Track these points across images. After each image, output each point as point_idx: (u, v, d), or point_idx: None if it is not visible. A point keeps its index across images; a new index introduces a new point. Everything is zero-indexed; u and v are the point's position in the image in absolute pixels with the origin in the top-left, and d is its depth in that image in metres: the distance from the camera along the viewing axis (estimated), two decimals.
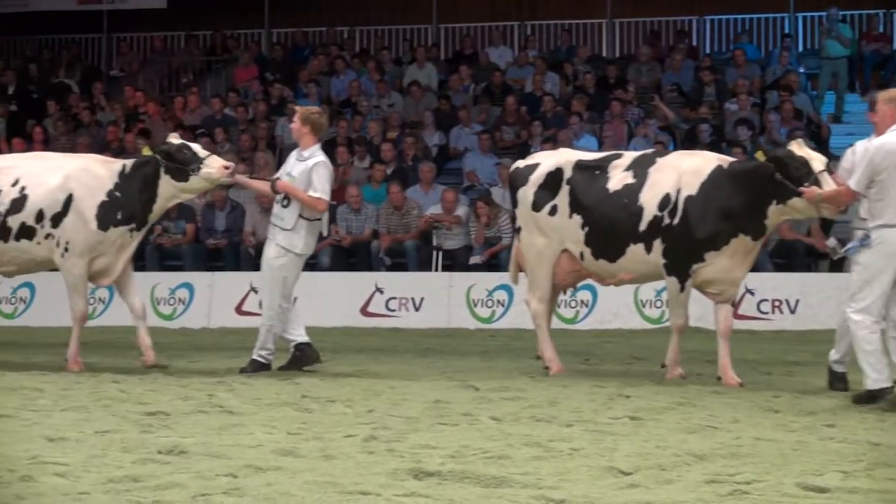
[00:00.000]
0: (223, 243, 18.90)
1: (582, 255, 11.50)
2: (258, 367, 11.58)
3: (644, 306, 17.05)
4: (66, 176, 11.97)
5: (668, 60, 23.87)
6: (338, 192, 14.56)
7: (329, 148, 11.94)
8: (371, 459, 6.81)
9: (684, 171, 11.05)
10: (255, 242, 18.50)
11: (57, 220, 11.87)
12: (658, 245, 11.05)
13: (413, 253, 18.74)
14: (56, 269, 12.25)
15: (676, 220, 10.91)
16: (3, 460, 6.77)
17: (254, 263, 18.02)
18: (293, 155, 11.92)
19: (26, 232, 11.94)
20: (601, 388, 10.39)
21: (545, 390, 10.24)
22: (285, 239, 11.54)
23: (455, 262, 18.65)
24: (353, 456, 6.91)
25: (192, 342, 15.29)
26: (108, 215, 11.87)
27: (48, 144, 21.75)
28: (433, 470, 6.35)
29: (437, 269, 18.68)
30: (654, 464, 6.62)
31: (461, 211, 18.96)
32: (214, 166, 11.70)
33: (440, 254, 18.80)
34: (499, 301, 17.51)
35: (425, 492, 5.93)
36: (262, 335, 11.66)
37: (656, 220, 11.01)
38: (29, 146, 21.03)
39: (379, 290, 17.86)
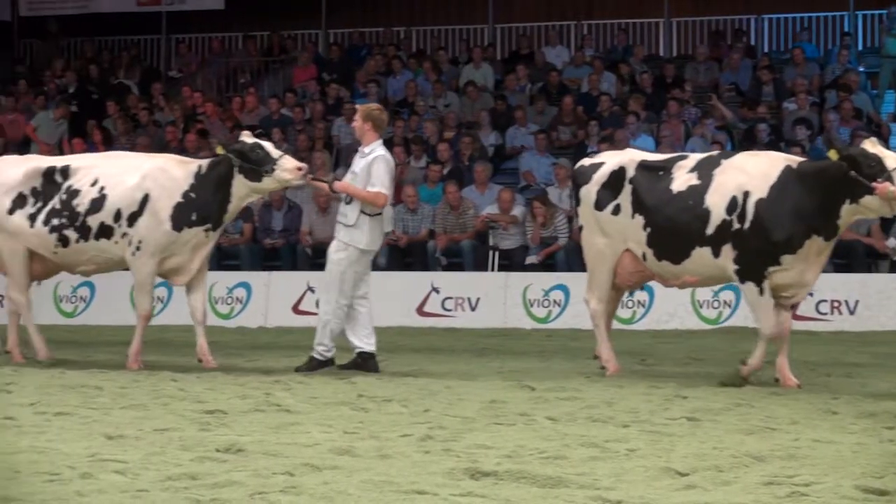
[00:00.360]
0: (280, 243, 18.99)
1: (644, 256, 11.38)
2: (315, 365, 11.58)
3: (701, 307, 16.97)
4: (143, 176, 12.02)
5: (726, 60, 23.73)
6: (394, 191, 14.58)
7: (385, 147, 11.89)
8: (427, 459, 6.81)
9: (751, 174, 10.84)
10: (312, 242, 18.58)
11: (133, 219, 11.91)
12: (728, 251, 10.82)
13: (469, 253, 18.74)
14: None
15: (747, 225, 10.68)
16: (64, 458, 6.84)
17: (311, 263, 18.14)
18: (357, 153, 11.94)
19: (105, 231, 12.01)
20: (658, 388, 10.34)
21: (602, 390, 10.21)
22: (347, 235, 11.52)
23: (511, 261, 18.64)
24: (410, 455, 6.92)
25: (249, 341, 15.37)
26: (182, 216, 11.89)
27: (108, 145, 21.94)
28: (489, 470, 6.34)
29: (493, 269, 18.67)
30: (712, 465, 6.58)
31: (517, 211, 18.94)
32: (288, 167, 11.69)
33: (496, 254, 18.79)
34: (555, 301, 17.48)
35: (481, 492, 5.92)
36: (319, 331, 11.64)
37: (725, 225, 10.80)
38: (89, 147, 21.23)
39: (435, 289, 17.87)
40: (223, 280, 18.24)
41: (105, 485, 6.13)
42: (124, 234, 11.97)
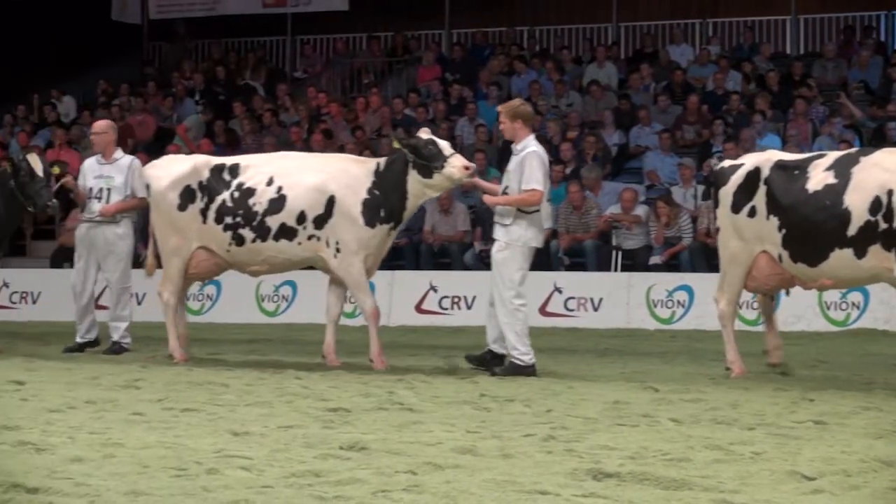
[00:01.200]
0: (403, 242, 19.08)
1: (780, 258, 11.17)
2: (516, 370, 11.24)
3: (829, 308, 16.69)
4: (325, 177, 11.93)
5: (855, 57, 23.31)
6: None
7: (538, 143, 11.69)
8: (549, 459, 6.79)
9: (893, 170, 10.51)
10: (433, 240, 18.63)
11: (320, 221, 11.83)
12: (878, 252, 10.50)
13: (592, 253, 18.65)
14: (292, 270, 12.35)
15: None
16: (191, 453, 6.94)
17: (434, 262, 18.20)
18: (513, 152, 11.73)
19: (286, 232, 11.91)
20: (784, 391, 10.19)
21: (726, 392, 10.09)
22: (506, 234, 11.37)
23: (635, 261, 18.51)
24: (532, 455, 6.90)
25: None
26: (372, 213, 11.81)
27: (235, 146, 22.26)
28: (612, 471, 6.30)
29: (616, 269, 18.57)
30: (839, 469, 6.46)
31: (641, 210, 18.81)
32: (457, 165, 11.58)
33: (619, 254, 18.68)
34: (679, 302, 17.33)
35: (604, 493, 5.89)
36: (507, 336, 11.35)
37: (869, 225, 10.48)
38: (216, 148, 21.54)
39: (558, 289, 17.81)
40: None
41: (231, 480, 6.21)
42: (311, 237, 11.87)
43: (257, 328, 17.07)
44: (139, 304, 17.29)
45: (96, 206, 13.15)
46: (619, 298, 17.65)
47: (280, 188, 11.96)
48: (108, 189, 13.13)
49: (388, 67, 27.32)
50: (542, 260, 18.54)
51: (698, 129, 21.71)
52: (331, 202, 11.85)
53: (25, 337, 15.63)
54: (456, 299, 17.76)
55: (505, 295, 11.32)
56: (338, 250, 11.82)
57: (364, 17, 27.46)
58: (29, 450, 7.07)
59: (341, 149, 19.63)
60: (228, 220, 12.05)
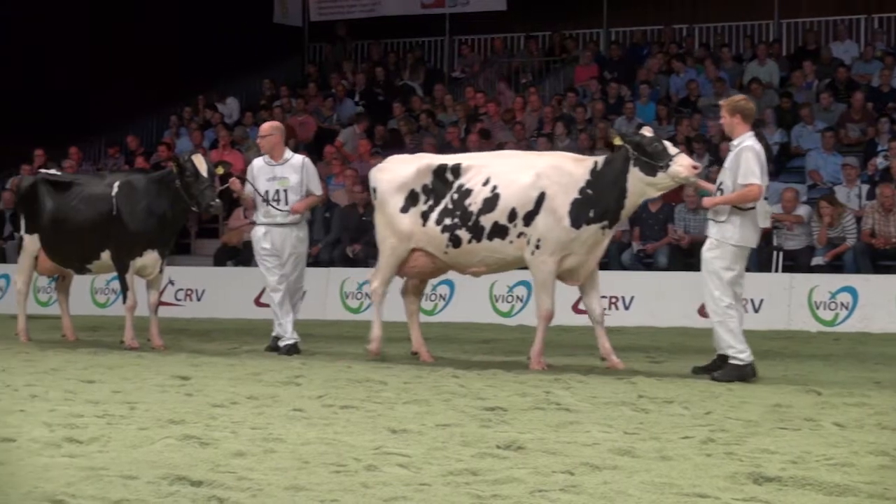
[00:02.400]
0: None
1: None
2: (735, 374, 10.86)
3: None
4: (537, 174, 11.84)
5: None
6: (675, 191, 14.38)
7: (755, 138, 11.42)
8: (709, 462, 6.71)
9: None
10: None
11: (529, 218, 11.74)
12: None
13: (753, 253, 18.31)
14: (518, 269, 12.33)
15: None
16: (350, 449, 7.03)
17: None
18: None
19: (499, 231, 11.87)
20: None
21: (892, 397, 9.85)
22: (718, 231, 11.10)
23: (796, 262, 18.17)
24: (691, 458, 6.83)
25: (529, 339, 15.41)
26: (580, 213, 11.68)
27: (394, 146, 22.45)
28: (773, 475, 6.20)
29: (777, 270, 18.25)
30: None
31: (802, 211, 18.47)
32: (684, 164, 11.42)
33: (781, 254, 18.36)
34: (842, 303, 16.96)
35: (765, 497, 5.80)
36: (721, 335, 11.02)
37: None
38: (378, 150, 21.76)
39: None
40: (504, 279, 18.38)
41: (389, 477, 6.27)
42: (520, 234, 11.80)
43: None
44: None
45: (276, 209, 13.23)
46: (780, 299, 17.33)
47: (495, 187, 11.91)
48: (285, 190, 13.22)
49: (546, 67, 27.28)
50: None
51: (863, 128, 21.24)
52: (540, 199, 11.74)
53: (190, 333, 15.96)
54: (613, 299, 17.63)
55: (714, 294, 11.02)
56: (537, 247, 11.74)
57: (522, 16, 27.47)
58: (193, 444, 7.23)
59: (499, 147, 19.65)
60: (447, 221, 12.07)
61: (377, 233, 12.69)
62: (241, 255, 20.19)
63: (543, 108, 23.53)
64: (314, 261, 18.60)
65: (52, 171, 15.62)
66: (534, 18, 27.69)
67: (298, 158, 13.59)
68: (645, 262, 18.92)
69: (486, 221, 11.88)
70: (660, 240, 18.74)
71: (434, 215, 12.17)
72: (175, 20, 30.02)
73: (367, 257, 19.20)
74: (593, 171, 11.78)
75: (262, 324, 16.37)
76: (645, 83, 23.57)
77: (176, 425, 7.97)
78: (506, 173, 11.99)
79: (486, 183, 12.00)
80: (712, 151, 20.72)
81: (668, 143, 11.65)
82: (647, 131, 11.74)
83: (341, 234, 19.80)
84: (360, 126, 23.58)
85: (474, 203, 11.96)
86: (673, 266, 18.35)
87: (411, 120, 23.84)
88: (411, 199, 12.31)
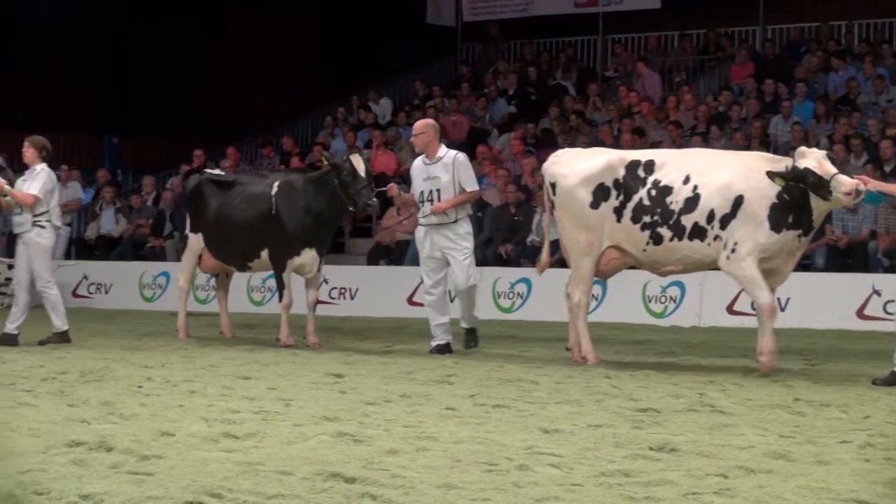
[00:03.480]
0: None
1: None
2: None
3: None
4: (734, 176, 11.59)
5: None
6: None
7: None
8: (867, 467, 6.58)
9: None
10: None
11: (725, 221, 11.48)
12: None
13: None
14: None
15: None
16: (501, 449, 7.04)
17: None
18: None
19: (698, 232, 11.62)
20: None
21: None
22: None
23: None
24: (849, 463, 6.70)
25: (682, 340, 15.30)
26: (780, 218, 11.39)
27: (548, 146, 22.44)
28: None
29: None
30: None
31: None
32: (845, 188, 10.88)
33: None
34: None
35: None
36: None
37: None
38: (530, 150, 21.76)
39: (876, 292, 17.17)
40: (657, 279, 18.22)
41: (540, 477, 6.26)
42: (717, 237, 11.55)
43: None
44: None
45: (428, 210, 13.16)
46: None
47: (696, 187, 11.64)
48: (437, 190, 13.09)
49: (700, 65, 26.97)
50: (860, 261, 17.97)
51: None
52: (738, 202, 11.48)
53: (344, 332, 16.15)
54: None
55: None
56: (733, 251, 11.48)
57: (677, 14, 27.21)
58: (347, 441, 7.32)
59: (653, 146, 19.50)
60: (646, 218, 11.79)
61: (563, 233, 12.31)
62: (394, 253, 20.35)
63: (698, 106, 23.26)
64: None
65: (216, 171, 15.87)
66: (688, 16, 27.40)
67: (450, 155, 13.33)
68: (802, 263, 18.55)
69: (688, 221, 11.60)
70: (817, 241, 18.38)
71: (628, 211, 11.87)
72: (330, 21, 30.44)
73: (519, 256, 19.22)
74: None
75: (415, 322, 16.50)
76: (802, 81, 23.16)
77: (330, 422, 8.07)
78: (705, 172, 11.68)
79: (686, 181, 11.69)
80: (871, 150, 20.28)
81: (825, 166, 11.15)
82: (803, 160, 11.21)
83: (493, 233, 19.84)
84: (516, 133, 23.49)
85: (675, 201, 11.65)
86: (830, 267, 17.99)
87: (564, 120, 23.77)
88: (602, 194, 11.95)
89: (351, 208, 13.72)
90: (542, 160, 21.36)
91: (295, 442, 7.31)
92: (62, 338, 13.74)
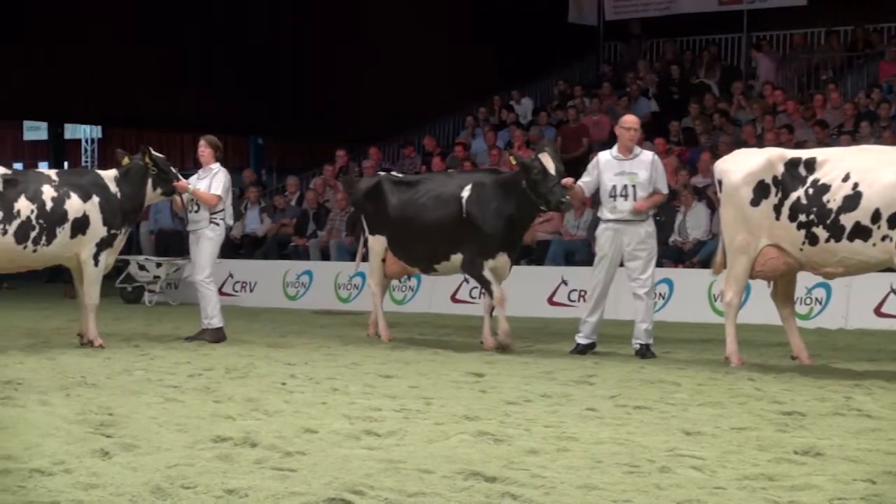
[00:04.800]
0: None
1: None
2: None
3: None
4: None
5: None
6: None
7: None
8: None
9: None
10: None
11: (894, 220, 11.07)
12: None
13: None
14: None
15: None
16: (643, 450, 7.00)
17: None
18: None
19: (861, 232, 11.24)
20: None
21: None
22: None
23: None
24: None
25: (828, 342, 15.02)
26: None
27: (691, 144, 22.23)
28: None
29: None
30: None
31: None
32: None
33: None
34: None
35: None
36: None
37: None
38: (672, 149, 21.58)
39: None
40: (804, 280, 17.90)
41: (682, 479, 6.21)
42: (885, 237, 11.13)
43: (708, 328, 16.96)
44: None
45: (623, 205, 12.94)
46: None
47: (856, 185, 11.29)
48: (633, 185, 12.91)
49: (848, 62, 26.44)
50: None
51: None
52: None
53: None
54: None
55: None
56: None
57: (823, 11, 26.70)
58: (487, 440, 7.34)
59: (798, 146, 19.17)
60: (802, 217, 11.51)
61: (724, 230, 12.15)
62: (535, 253, 20.31)
63: (844, 104, 22.81)
64: None
65: (394, 173, 15.48)
66: (836, 13, 26.87)
67: (648, 155, 13.18)
68: None
69: (847, 221, 11.25)
70: None
71: (785, 209, 11.61)
72: (469, 22, 30.55)
73: (662, 257, 19.04)
74: None
75: (555, 323, 16.49)
76: None
77: (470, 421, 8.10)
78: (867, 170, 11.30)
79: (845, 179, 11.35)
80: None
81: None
82: None
83: None
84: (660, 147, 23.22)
85: (833, 200, 11.34)
86: None
87: (706, 118, 23.50)
88: (761, 191, 11.73)
89: (542, 208, 13.35)
90: (682, 160, 21.30)
91: (436, 440, 7.35)
92: (216, 335, 13.96)
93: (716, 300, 17.11)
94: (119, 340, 13.62)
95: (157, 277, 20.90)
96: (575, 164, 17.26)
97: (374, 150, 25.22)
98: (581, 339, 13.18)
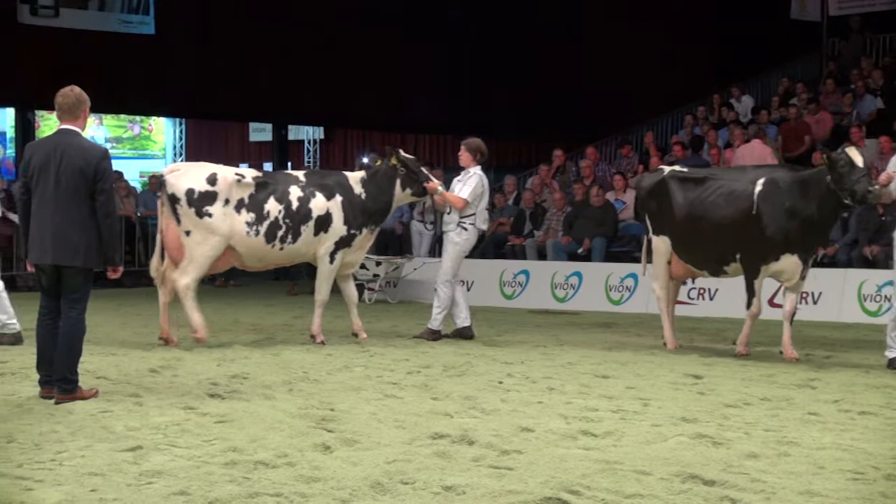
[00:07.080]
0: None
1: None
2: None
3: None
4: None
5: None
6: None
7: None
8: None
9: None
10: None
11: None
12: None
13: None
14: None
15: None
16: (867, 457, 6.82)
17: None
18: None
19: None
20: None
21: None
22: None
23: None
24: None
25: None
26: None
27: None
28: None
29: None
30: None
31: None
32: None
33: None
34: None
35: None
36: None
37: None
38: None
39: None
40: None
41: None
42: None
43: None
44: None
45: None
46: None
47: None
48: None
49: None
50: None
51: None
52: None
53: (702, 332, 15.96)
54: None
55: None
56: None
57: None
58: (706, 443, 7.25)
59: None
60: None
61: None
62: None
63: None
64: (830, 261, 18.15)
65: (677, 167, 14.87)
66: None
67: None
68: None
69: None
70: None
71: None
72: (691, 19, 30.23)
73: (887, 258, 18.50)
74: None
75: (775, 325, 16.14)
76: None
77: (688, 423, 8.01)
78: None
79: None
80: None
81: None
82: None
83: (859, 234, 19.20)
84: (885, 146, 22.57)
85: None
86: None
87: None
88: None
89: (847, 201, 12.49)
90: None
91: (653, 442, 7.30)
92: (463, 333, 14.20)
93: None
94: (339, 337, 13.89)
95: (376, 276, 21.23)
96: (797, 163, 16.90)
97: (591, 149, 25.13)
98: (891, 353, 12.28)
